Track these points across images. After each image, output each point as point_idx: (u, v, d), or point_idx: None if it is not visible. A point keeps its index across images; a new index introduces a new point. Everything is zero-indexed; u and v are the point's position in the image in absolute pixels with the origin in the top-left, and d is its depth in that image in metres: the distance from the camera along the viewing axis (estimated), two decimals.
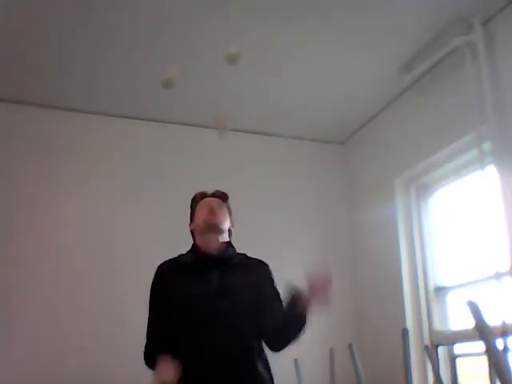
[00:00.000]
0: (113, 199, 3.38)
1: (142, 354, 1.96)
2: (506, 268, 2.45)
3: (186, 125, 3.62)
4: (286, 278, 3.59)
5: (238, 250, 2.15)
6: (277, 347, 2.01)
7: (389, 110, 3.49)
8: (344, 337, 2.99)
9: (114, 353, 2.97)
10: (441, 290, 3.13)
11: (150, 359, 1.89)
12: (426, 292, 3.15)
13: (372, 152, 3.67)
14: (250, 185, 3.64)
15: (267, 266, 2.14)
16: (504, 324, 2.35)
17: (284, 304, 1.96)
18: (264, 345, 2.02)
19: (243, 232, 3.42)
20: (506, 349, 2.32)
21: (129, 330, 2.72)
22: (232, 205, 2.23)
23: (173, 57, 2.94)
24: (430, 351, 2.68)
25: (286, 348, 1.99)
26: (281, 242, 3.57)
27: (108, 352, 2.99)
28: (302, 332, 1.93)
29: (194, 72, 3.06)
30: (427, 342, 3.04)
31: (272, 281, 2.12)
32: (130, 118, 3.53)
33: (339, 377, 2.73)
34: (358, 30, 2.77)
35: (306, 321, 1.89)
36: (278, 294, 2.08)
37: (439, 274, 3.16)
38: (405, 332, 2.25)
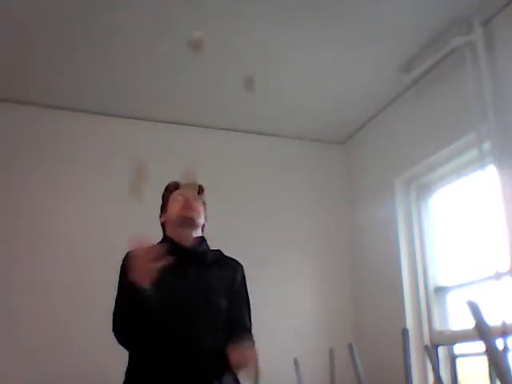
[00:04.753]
0: (113, 199, 3.37)
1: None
2: (506, 268, 2.45)
3: (186, 125, 3.62)
4: (287, 276, 3.60)
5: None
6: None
7: (389, 110, 3.49)
8: (344, 337, 2.98)
9: (114, 353, 2.97)
10: (441, 290, 3.13)
11: (123, 319, 1.80)
12: (426, 292, 3.15)
13: (372, 152, 3.67)
14: (250, 185, 3.64)
15: (241, 266, 2.09)
16: (504, 324, 2.35)
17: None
18: None
19: (243, 232, 3.43)
20: (506, 349, 2.32)
21: None
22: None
23: (173, 57, 2.95)
24: (430, 351, 2.68)
25: None
26: (280, 242, 3.58)
27: (108, 352, 2.99)
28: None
29: (194, 72, 3.07)
30: (427, 341, 3.04)
31: (245, 285, 2.07)
32: (130, 118, 3.53)
33: (339, 377, 2.73)
34: (358, 30, 2.77)
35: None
36: (247, 300, 2.05)
37: (439, 274, 3.16)
38: (405, 332, 2.25)
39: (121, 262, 1.97)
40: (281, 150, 3.82)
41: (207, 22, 2.68)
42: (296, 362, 2.85)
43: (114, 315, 1.88)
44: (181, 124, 3.61)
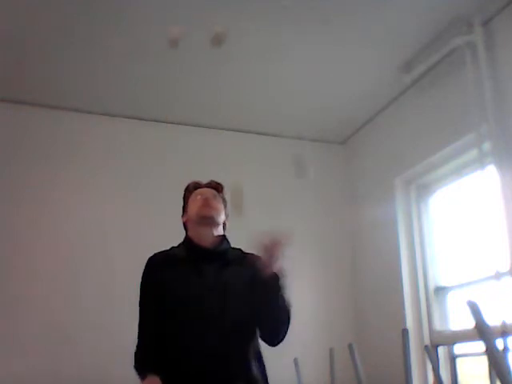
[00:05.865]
0: (113, 199, 3.37)
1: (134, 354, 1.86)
2: (506, 268, 2.45)
3: (186, 125, 3.62)
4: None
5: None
6: (272, 336, 1.91)
7: (389, 110, 3.49)
8: (344, 337, 2.99)
9: (114, 352, 2.97)
10: (441, 290, 3.13)
11: (142, 362, 1.82)
12: (426, 292, 3.15)
13: (372, 152, 3.67)
14: (250, 185, 3.61)
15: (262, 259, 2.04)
16: (504, 324, 2.35)
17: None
18: (262, 345, 1.94)
19: (242, 232, 3.42)
20: (506, 349, 2.32)
21: (129, 330, 2.72)
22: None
23: (172, 57, 2.94)
24: (430, 351, 2.68)
25: (282, 334, 1.88)
26: None
27: (108, 352, 2.99)
28: (287, 305, 1.86)
29: (194, 72, 3.07)
30: (427, 341, 3.04)
31: None
32: (130, 117, 3.53)
33: (339, 377, 2.73)
34: (358, 30, 2.77)
35: (282, 291, 1.84)
36: None
37: (439, 274, 3.16)
38: (405, 332, 2.25)
39: (141, 274, 1.98)
40: (281, 150, 3.81)
41: (206, 22, 2.67)
42: (296, 362, 2.85)
43: (137, 350, 1.88)
44: (181, 124, 3.61)
